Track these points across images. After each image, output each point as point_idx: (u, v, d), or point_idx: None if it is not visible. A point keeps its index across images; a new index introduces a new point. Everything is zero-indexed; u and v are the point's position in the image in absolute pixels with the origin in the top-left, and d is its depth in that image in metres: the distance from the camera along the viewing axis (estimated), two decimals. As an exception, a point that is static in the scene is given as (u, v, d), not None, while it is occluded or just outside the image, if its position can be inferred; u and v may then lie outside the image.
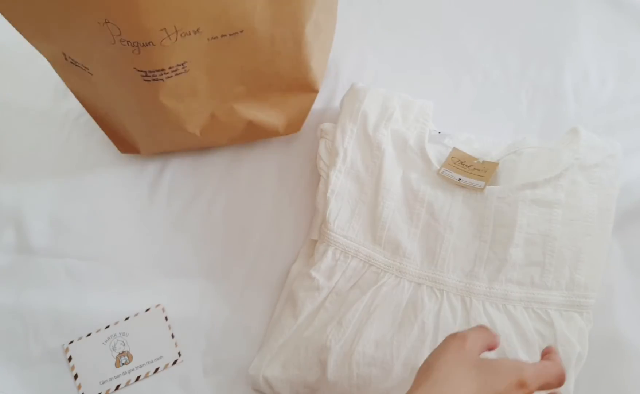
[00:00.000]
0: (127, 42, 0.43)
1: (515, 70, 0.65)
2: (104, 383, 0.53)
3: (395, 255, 0.52)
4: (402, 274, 0.52)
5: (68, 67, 0.50)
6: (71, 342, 0.54)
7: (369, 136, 0.55)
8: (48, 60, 0.51)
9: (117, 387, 0.53)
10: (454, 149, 0.56)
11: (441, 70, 0.65)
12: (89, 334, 0.54)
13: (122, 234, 0.59)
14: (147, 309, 0.55)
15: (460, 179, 0.53)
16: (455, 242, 0.52)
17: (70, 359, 0.54)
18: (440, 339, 0.44)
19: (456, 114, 0.62)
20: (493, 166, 0.54)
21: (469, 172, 0.54)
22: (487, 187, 0.53)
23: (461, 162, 0.55)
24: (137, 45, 0.43)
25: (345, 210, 0.54)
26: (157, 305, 0.56)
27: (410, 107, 0.57)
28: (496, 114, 0.63)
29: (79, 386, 0.53)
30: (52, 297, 0.56)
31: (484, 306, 0.50)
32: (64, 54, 0.48)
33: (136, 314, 0.55)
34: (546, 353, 0.43)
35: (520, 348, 0.48)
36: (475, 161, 0.55)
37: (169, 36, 0.43)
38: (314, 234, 0.55)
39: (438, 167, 0.55)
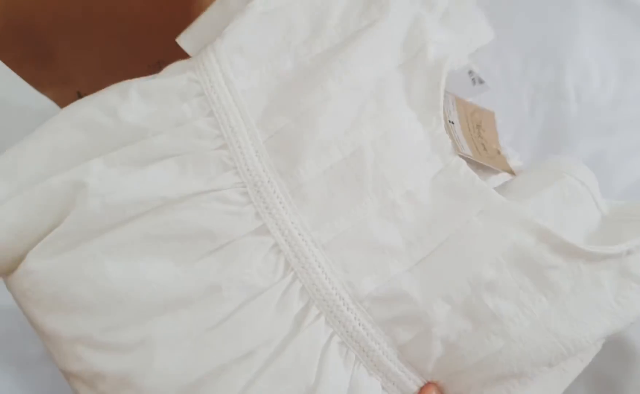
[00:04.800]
0: None
1: (516, 70, 0.65)
2: (102, 384, 0.53)
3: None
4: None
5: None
6: (70, 343, 0.54)
7: None
8: (51, 98, 0.50)
9: (116, 388, 0.53)
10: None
11: (442, 69, 0.65)
12: (87, 336, 0.54)
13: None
14: (147, 310, 0.55)
15: (452, 122, 0.33)
16: None
17: (68, 360, 0.53)
18: None
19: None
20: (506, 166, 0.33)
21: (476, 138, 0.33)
22: (463, 157, 0.31)
23: (477, 126, 0.34)
24: None
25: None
26: (157, 306, 0.55)
27: None
28: (497, 114, 0.63)
29: (78, 388, 0.53)
30: (50, 298, 0.55)
31: None
32: (79, 93, 0.47)
33: (135, 315, 0.55)
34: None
35: None
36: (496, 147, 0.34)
37: None
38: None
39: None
